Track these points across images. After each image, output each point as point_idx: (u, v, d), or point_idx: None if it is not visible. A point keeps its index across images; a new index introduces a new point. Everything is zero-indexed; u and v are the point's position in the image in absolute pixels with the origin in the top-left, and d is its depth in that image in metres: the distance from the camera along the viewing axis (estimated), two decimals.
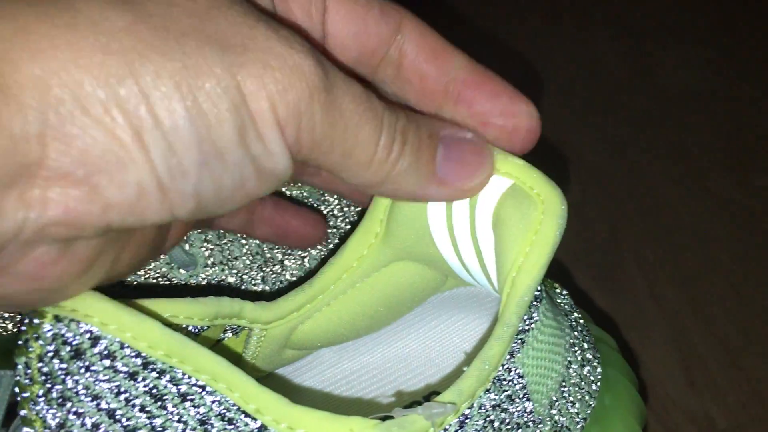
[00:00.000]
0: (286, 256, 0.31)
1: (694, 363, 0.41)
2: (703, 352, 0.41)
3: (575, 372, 0.24)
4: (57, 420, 0.19)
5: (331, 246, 0.31)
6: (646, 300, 0.44)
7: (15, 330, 0.29)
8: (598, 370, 0.25)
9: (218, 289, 0.30)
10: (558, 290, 0.27)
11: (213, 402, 0.19)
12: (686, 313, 0.43)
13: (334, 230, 0.31)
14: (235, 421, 0.19)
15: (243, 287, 0.30)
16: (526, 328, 0.22)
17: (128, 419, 0.19)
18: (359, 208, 0.31)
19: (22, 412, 0.19)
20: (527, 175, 0.22)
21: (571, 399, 0.24)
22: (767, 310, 0.42)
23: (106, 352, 0.19)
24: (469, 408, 0.21)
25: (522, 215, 0.21)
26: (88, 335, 0.19)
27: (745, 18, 0.63)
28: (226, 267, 0.30)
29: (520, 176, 0.22)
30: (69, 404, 0.19)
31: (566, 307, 0.26)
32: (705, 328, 0.42)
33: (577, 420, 0.24)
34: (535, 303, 0.23)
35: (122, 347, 0.19)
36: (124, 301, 0.20)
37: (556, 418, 0.24)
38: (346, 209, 0.31)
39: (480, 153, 0.22)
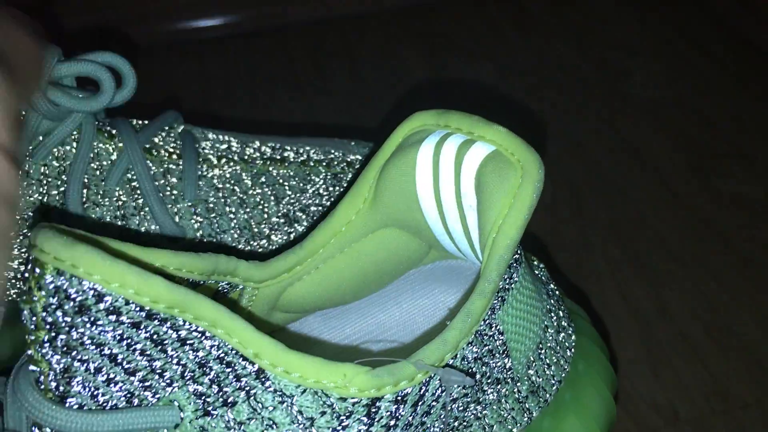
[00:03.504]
0: (273, 231, 0.32)
1: (658, 357, 0.42)
2: (667, 347, 0.42)
3: (551, 336, 0.26)
4: (62, 365, 0.20)
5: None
6: (614, 297, 0.45)
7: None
8: (573, 337, 0.27)
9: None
10: (536, 262, 0.28)
11: (212, 346, 0.20)
12: (651, 310, 0.44)
13: (320, 208, 0.32)
14: (233, 365, 0.20)
15: None
16: (507, 287, 0.23)
17: (129, 362, 0.20)
18: (345, 188, 0.32)
19: (29, 352, 0.20)
20: (508, 141, 0.23)
21: (547, 361, 0.25)
22: (728, 307, 0.44)
23: (111, 308, 0.19)
24: (452, 359, 0.22)
25: (502, 179, 0.23)
26: (92, 292, 0.19)
27: (709, 36, 0.66)
28: (215, 240, 0.31)
29: (502, 143, 0.23)
30: (73, 353, 0.20)
31: (543, 277, 0.27)
32: (669, 325, 0.43)
33: (553, 382, 0.26)
34: (514, 265, 0.24)
35: (127, 303, 0.20)
36: (126, 249, 0.21)
37: (533, 378, 0.25)
38: (331, 188, 0.32)
39: None
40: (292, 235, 0.32)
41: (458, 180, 0.24)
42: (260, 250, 0.32)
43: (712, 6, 0.69)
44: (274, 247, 0.32)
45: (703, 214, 0.49)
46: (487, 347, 0.23)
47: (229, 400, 0.20)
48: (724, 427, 0.39)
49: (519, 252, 0.24)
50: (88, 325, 0.19)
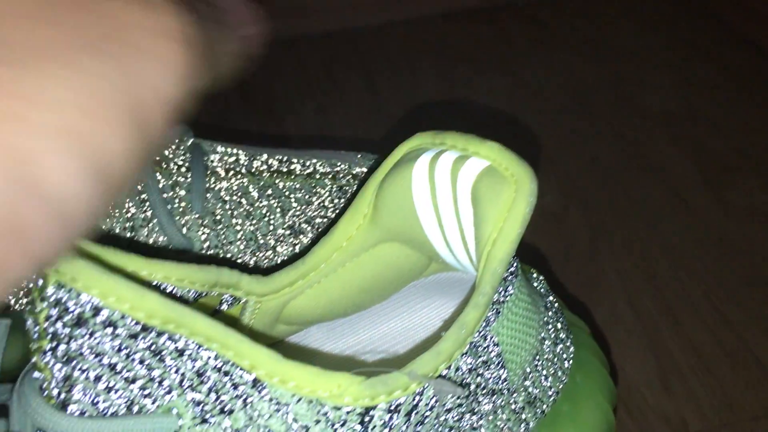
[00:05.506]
0: (279, 243, 0.32)
1: (669, 369, 0.42)
2: (678, 358, 0.42)
3: (548, 348, 0.26)
4: (63, 373, 0.20)
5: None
6: (625, 308, 0.45)
7: (18, 308, 0.30)
8: (571, 349, 0.27)
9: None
10: (534, 275, 0.29)
11: (209, 357, 0.21)
12: (662, 322, 0.44)
13: (325, 220, 0.33)
14: (230, 374, 0.21)
15: None
16: (502, 299, 0.24)
17: (128, 371, 0.21)
18: (349, 200, 0.33)
19: (34, 359, 0.21)
20: (502, 156, 0.23)
21: (544, 373, 0.26)
22: (739, 319, 0.44)
23: (107, 321, 0.20)
24: (446, 369, 0.22)
25: (496, 194, 0.23)
26: (89, 305, 0.20)
27: (721, 46, 0.66)
28: (221, 251, 0.32)
29: (496, 158, 0.23)
30: (74, 362, 0.20)
31: (541, 290, 0.28)
32: (680, 336, 0.43)
33: (550, 393, 0.26)
34: (510, 277, 0.24)
35: (122, 317, 0.20)
36: (129, 260, 0.21)
37: (530, 389, 0.25)
38: (336, 201, 0.33)
39: None
40: (297, 247, 0.33)
41: (455, 194, 0.24)
42: (266, 261, 0.32)
43: (725, 17, 0.69)
44: (279, 259, 0.32)
45: (715, 225, 0.49)
46: (481, 358, 0.23)
47: (226, 408, 0.21)
48: None
49: (515, 265, 0.25)
50: (87, 337, 0.20)
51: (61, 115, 0.15)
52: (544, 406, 0.26)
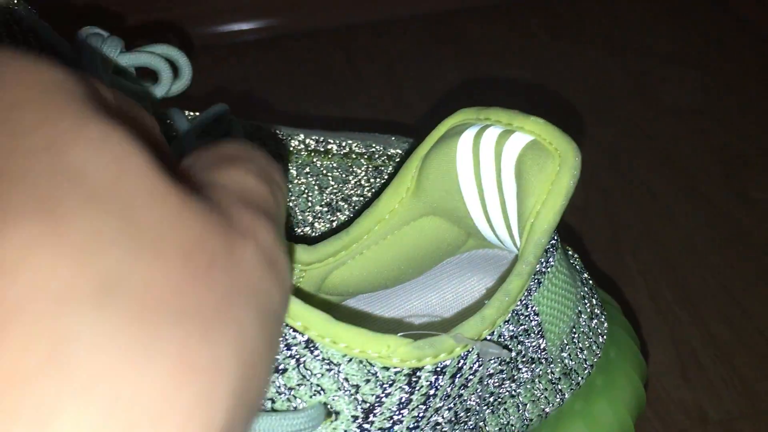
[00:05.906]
0: (316, 219, 0.33)
1: (688, 359, 0.42)
2: (697, 349, 0.43)
3: (584, 322, 0.26)
4: None
5: (359, 212, 0.33)
6: (645, 300, 0.46)
7: None
8: (605, 325, 0.28)
9: None
10: (570, 251, 0.29)
11: None
12: (682, 313, 0.45)
13: (361, 198, 0.33)
14: (283, 335, 0.21)
15: None
16: (543, 270, 0.24)
17: None
18: (386, 179, 0.33)
19: None
20: (546, 131, 0.24)
21: (580, 345, 0.26)
22: (757, 311, 0.44)
23: None
24: (489, 335, 0.23)
25: (540, 167, 0.24)
26: None
27: (739, 42, 0.66)
28: None
29: (540, 133, 0.24)
30: None
31: (577, 266, 0.28)
32: (699, 327, 0.44)
33: (585, 366, 0.26)
34: (551, 249, 0.25)
35: None
36: None
37: (566, 361, 0.26)
38: (372, 180, 0.34)
39: None
40: (334, 224, 0.33)
41: (499, 168, 0.25)
42: (304, 237, 0.33)
43: (744, 13, 0.69)
44: (317, 235, 0.33)
45: (735, 220, 0.50)
46: (522, 326, 0.24)
47: (279, 367, 0.22)
48: (753, 430, 0.39)
49: (555, 238, 0.25)
50: None
51: None
52: (579, 379, 0.27)
